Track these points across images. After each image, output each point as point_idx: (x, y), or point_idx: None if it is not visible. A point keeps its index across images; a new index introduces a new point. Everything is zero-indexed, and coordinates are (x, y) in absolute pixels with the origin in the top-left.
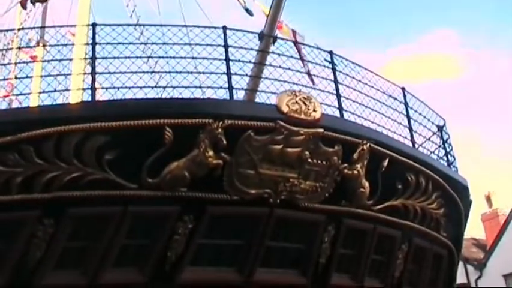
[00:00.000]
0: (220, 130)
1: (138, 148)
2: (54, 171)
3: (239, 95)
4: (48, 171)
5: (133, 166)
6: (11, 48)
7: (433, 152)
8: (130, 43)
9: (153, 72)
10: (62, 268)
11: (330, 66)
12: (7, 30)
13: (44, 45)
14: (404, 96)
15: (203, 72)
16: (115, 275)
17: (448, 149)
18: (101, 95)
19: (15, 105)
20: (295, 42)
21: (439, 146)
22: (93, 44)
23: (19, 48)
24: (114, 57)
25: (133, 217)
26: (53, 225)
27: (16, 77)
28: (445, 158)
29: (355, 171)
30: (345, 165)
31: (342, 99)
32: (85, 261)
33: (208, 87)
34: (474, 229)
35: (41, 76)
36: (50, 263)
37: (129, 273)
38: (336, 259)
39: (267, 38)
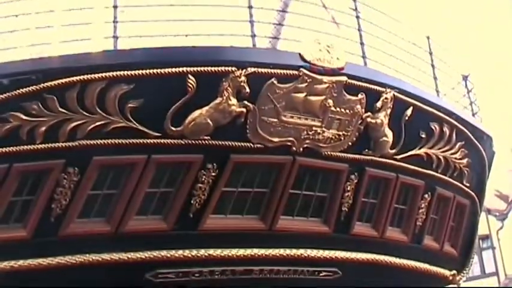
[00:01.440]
0: (243, 78)
1: (161, 96)
2: (78, 120)
3: (262, 43)
4: (71, 120)
5: (157, 114)
6: None
7: (458, 102)
8: None
9: (175, 20)
10: (87, 217)
11: (354, 14)
12: None
13: None
14: (429, 44)
15: (226, 20)
16: (139, 223)
17: (472, 99)
18: (124, 44)
19: None
20: None
21: (464, 96)
22: None
23: None
24: (137, 6)
25: (157, 165)
26: (77, 174)
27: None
28: (469, 107)
29: (379, 120)
30: (368, 113)
31: (365, 47)
32: (109, 210)
33: (231, 35)
34: (498, 181)
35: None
36: (74, 211)
37: (153, 221)
38: (359, 208)
39: None
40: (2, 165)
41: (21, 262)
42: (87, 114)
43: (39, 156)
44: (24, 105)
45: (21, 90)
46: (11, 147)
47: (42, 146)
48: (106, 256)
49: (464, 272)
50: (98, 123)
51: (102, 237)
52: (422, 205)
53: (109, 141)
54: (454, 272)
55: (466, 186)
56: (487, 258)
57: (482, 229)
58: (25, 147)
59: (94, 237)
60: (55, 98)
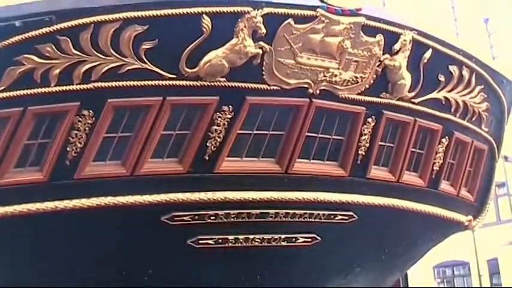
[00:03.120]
0: (259, 18)
1: (176, 37)
2: (92, 62)
3: None
4: (85, 62)
5: (171, 56)
6: None
7: (477, 45)
8: None
9: None
10: (102, 160)
11: None
12: None
13: None
14: None
15: None
16: (154, 166)
17: (492, 43)
18: None
19: None
20: None
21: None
22: None
23: None
24: None
25: (172, 107)
26: (92, 116)
27: None
28: (489, 51)
29: (397, 63)
30: (386, 56)
31: None
32: (125, 153)
33: None
34: None
35: None
36: (90, 154)
37: (168, 164)
38: (375, 152)
39: None
40: (16, 109)
41: (37, 205)
42: (101, 56)
43: (53, 99)
44: (37, 47)
45: (34, 32)
46: (25, 90)
47: (57, 88)
48: (122, 199)
49: (480, 218)
50: (112, 65)
51: (118, 180)
52: (440, 149)
53: (123, 83)
54: (470, 217)
55: (484, 131)
56: (503, 205)
57: (498, 176)
58: (39, 90)
59: (109, 180)
60: (68, 39)
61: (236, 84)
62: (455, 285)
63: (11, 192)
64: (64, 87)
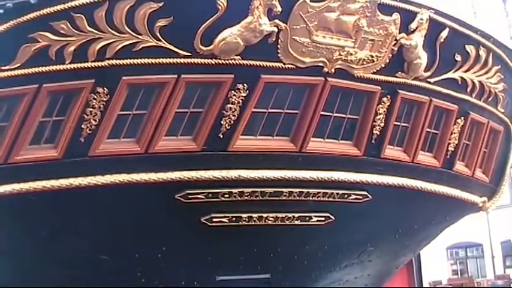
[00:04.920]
0: None
1: (191, 15)
2: (107, 39)
3: None
4: (100, 39)
5: (186, 33)
6: None
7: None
8: None
9: None
10: (117, 137)
11: None
12: None
13: None
14: None
15: None
16: (169, 144)
17: (510, 22)
18: None
19: None
20: None
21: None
22: None
23: None
24: None
25: (187, 85)
26: (106, 94)
27: None
28: (507, 31)
29: (413, 42)
30: (403, 35)
31: None
32: (139, 130)
33: None
34: None
35: None
36: (104, 132)
37: (182, 142)
38: (390, 131)
39: None
40: (31, 86)
41: (52, 182)
42: (116, 34)
43: (68, 76)
44: (52, 24)
45: (49, 9)
46: (41, 68)
47: (72, 65)
48: (136, 176)
49: (495, 199)
50: (126, 43)
51: (132, 157)
52: (455, 130)
53: (138, 60)
54: (485, 199)
55: (500, 111)
56: None
57: None
58: (54, 67)
59: (124, 157)
60: (83, 16)
61: (251, 62)
62: (469, 266)
63: (26, 169)
64: (79, 65)
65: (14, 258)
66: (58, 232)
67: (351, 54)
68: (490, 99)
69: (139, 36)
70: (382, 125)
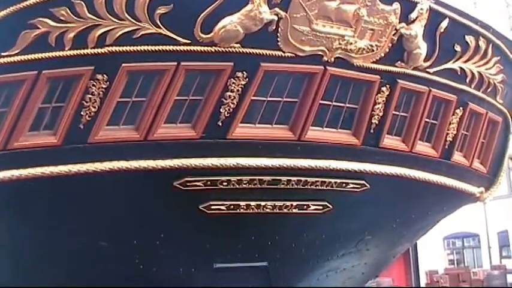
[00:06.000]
0: None
1: (191, 2)
2: (107, 26)
3: None
4: (100, 26)
5: (186, 21)
6: None
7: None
8: None
9: None
10: (116, 124)
11: None
12: None
13: None
14: None
15: None
16: (168, 131)
17: (511, 13)
18: None
19: None
20: None
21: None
22: None
23: None
24: None
25: (186, 73)
26: (106, 80)
27: None
28: (507, 22)
29: (413, 32)
30: (403, 24)
31: None
32: (138, 117)
33: None
34: None
35: None
36: (104, 119)
37: (181, 129)
38: (389, 121)
39: None
40: (31, 72)
41: (51, 169)
42: (116, 20)
43: (68, 63)
44: (52, 10)
45: None
46: (40, 54)
47: (71, 52)
48: (135, 163)
49: (492, 190)
50: (126, 30)
51: (131, 144)
52: (454, 120)
53: (138, 47)
54: (482, 189)
55: (499, 102)
56: None
57: None
58: (54, 53)
59: (123, 144)
60: (83, 3)
61: (251, 50)
62: (465, 256)
63: (25, 156)
64: (78, 51)
65: (12, 244)
66: (57, 218)
67: (351, 43)
68: (489, 90)
69: (139, 23)
70: (380, 114)
